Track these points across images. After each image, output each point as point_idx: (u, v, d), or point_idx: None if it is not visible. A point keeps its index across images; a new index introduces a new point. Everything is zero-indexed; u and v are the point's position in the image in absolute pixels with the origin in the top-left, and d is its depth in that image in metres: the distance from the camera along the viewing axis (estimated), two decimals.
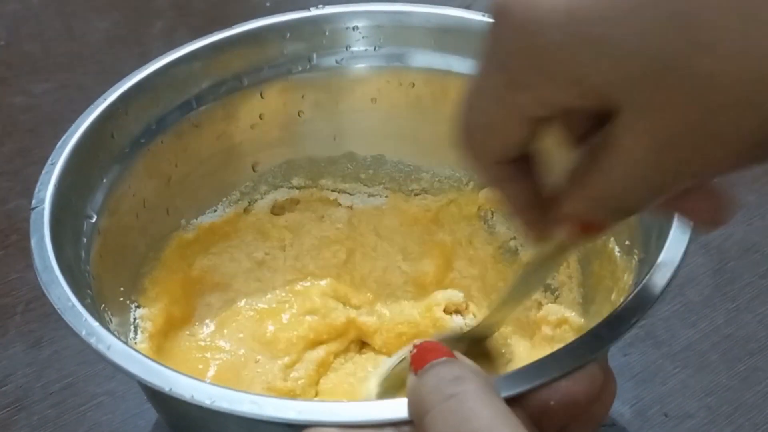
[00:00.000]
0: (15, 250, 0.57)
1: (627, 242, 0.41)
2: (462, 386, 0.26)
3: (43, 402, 0.48)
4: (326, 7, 0.49)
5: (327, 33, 0.49)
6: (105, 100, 0.43)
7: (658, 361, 0.49)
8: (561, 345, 0.31)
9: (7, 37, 0.77)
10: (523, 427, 0.26)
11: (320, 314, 0.49)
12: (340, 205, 0.53)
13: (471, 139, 0.28)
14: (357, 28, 0.49)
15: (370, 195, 0.53)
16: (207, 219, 0.50)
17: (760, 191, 0.59)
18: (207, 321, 0.48)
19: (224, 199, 0.51)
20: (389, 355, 0.47)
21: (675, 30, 0.22)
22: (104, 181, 0.43)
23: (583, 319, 0.44)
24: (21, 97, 0.70)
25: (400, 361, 0.36)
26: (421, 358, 0.28)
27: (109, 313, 0.40)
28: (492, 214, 0.51)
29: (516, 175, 0.29)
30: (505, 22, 0.25)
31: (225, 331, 0.48)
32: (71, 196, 0.40)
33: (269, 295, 0.50)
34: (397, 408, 0.28)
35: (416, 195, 0.53)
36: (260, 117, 0.50)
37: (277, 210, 0.52)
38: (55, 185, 0.39)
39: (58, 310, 0.34)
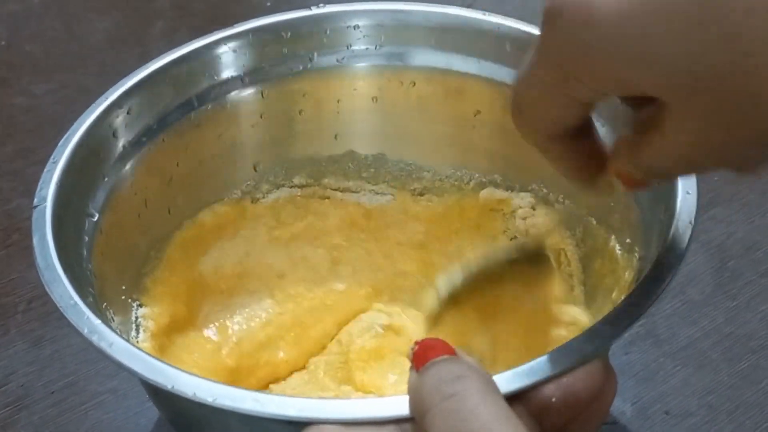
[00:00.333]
0: (16, 249, 0.57)
1: (628, 240, 0.41)
2: (462, 385, 0.26)
3: (44, 401, 0.48)
4: (327, 6, 0.49)
5: (327, 32, 0.49)
6: (107, 98, 0.43)
7: (659, 359, 0.49)
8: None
9: (8, 38, 0.77)
10: (524, 425, 0.26)
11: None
12: (343, 202, 0.53)
13: (525, 121, 0.31)
14: (358, 27, 0.49)
15: (376, 193, 0.53)
16: (208, 218, 0.50)
17: (762, 190, 0.59)
18: (209, 320, 0.48)
19: (226, 198, 0.51)
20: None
21: (724, 53, 0.24)
22: (106, 179, 0.43)
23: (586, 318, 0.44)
24: (22, 97, 0.70)
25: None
26: (423, 355, 0.28)
27: (111, 311, 0.40)
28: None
29: (567, 144, 0.31)
30: (559, 24, 0.26)
31: (228, 331, 0.48)
32: (73, 194, 0.40)
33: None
34: (399, 406, 0.28)
35: (420, 195, 0.53)
36: (261, 116, 0.50)
37: (279, 209, 0.52)
38: (57, 183, 0.39)
39: (61, 308, 0.34)
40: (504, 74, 0.47)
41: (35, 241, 0.36)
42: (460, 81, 0.48)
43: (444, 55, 0.48)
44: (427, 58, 0.49)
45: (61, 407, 0.48)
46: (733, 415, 0.46)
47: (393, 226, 0.52)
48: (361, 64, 0.50)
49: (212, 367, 0.45)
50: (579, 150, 0.32)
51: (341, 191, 0.53)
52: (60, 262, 0.35)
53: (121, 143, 0.44)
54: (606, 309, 0.34)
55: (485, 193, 0.51)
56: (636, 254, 0.39)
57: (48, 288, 0.34)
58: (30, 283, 0.55)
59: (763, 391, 0.47)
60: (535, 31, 0.43)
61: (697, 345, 0.50)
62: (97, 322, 0.33)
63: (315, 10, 0.49)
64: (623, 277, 0.40)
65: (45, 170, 0.39)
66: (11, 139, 0.66)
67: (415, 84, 0.50)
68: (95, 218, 0.41)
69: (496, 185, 0.51)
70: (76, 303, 0.34)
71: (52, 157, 0.40)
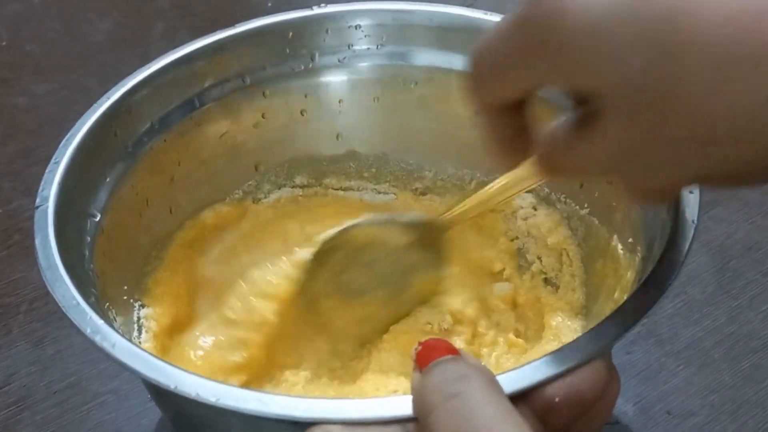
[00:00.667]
0: (18, 249, 0.57)
1: (630, 240, 0.41)
2: (466, 385, 0.26)
3: (46, 401, 0.48)
4: (328, 5, 0.49)
5: (329, 32, 0.49)
6: (108, 98, 0.43)
7: (661, 359, 0.49)
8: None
9: (9, 38, 0.77)
10: (527, 425, 0.26)
11: None
12: (344, 202, 0.53)
13: (477, 82, 0.31)
14: (359, 26, 0.49)
15: (378, 193, 0.53)
16: (210, 218, 0.50)
17: (762, 189, 0.59)
18: (211, 320, 0.48)
19: (227, 198, 0.51)
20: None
21: (663, 69, 0.25)
22: (107, 179, 0.43)
23: (579, 322, 0.44)
24: (23, 97, 0.70)
25: None
26: (426, 355, 0.28)
27: (113, 312, 0.40)
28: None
29: (503, 115, 0.32)
30: (537, 10, 0.27)
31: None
32: (75, 194, 0.40)
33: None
34: (403, 406, 0.28)
35: (422, 195, 0.53)
36: (263, 116, 0.50)
37: (281, 209, 0.52)
38: (58, 184, 0.39)
39: (63, 308, 0.34)
40: None
41: (37, 241, 0.36)
42: (462, 80, 0.48)
43: (445, 55, 0.48)
44: (428, 57, 0.49)
45: (63, 407, 0.48)
46: (736, 415, 0.46)
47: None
48: (363, 64, 0.50)
49: (214, 367, 0.45)
50: (510, 125, 0.32)
51: (343, 191, 0.53)
52: (62, 263, 0.35)
53: (122, 143, 0.44)
54: (608, 309, 0.34)
55: None
56: (638, 254, 0.39)
57: (50, 288, 0.34)
58: (32, 283, 0.55)
59: (766, 390, 0.47)
60: None
61: (699, 345, 0.50)
62: (100, 322, 0.33)
63: (316, 10, 0.49)
64: (625, 276, 0.40)
65: (47, 170, 0.39)
66: (12, 139, 0.66)
67: (416, 83, 0.50)
68: (97, 218, 0.41)
69: None
70: (78, 303, 0.34)
71: (53, 157, 0.40)
